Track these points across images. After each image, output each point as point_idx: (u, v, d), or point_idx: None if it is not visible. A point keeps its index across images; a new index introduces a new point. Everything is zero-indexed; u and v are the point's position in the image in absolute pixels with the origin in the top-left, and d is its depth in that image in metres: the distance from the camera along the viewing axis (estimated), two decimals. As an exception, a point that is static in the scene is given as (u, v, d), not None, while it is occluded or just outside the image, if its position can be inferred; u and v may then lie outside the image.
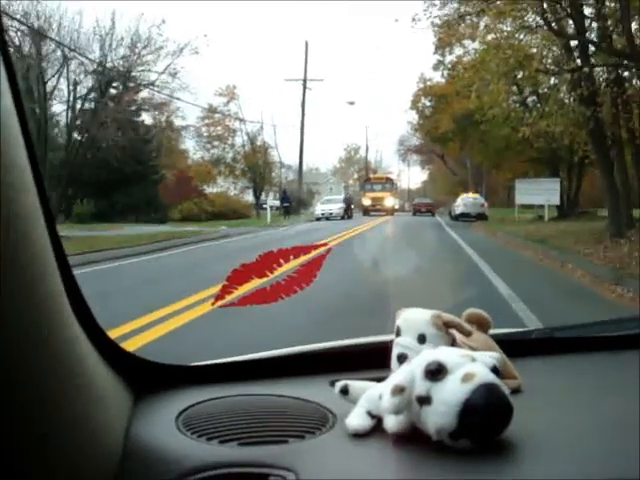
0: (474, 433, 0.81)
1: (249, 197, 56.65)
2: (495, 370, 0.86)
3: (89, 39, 30.79)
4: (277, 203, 38.39)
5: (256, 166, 55.42)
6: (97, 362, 0.91)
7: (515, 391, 1.03)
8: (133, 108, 47.12)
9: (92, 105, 46.27)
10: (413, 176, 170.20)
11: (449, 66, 35.79)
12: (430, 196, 66.47)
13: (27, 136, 0.70)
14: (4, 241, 0.61)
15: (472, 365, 0.84)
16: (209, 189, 59.87)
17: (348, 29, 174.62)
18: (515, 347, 1.27)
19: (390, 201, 48.25)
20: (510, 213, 42.82)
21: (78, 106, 36.12)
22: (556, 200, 31.51)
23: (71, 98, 31.72)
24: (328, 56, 78.67)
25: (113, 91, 47.54)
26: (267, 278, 1.08)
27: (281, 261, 1.07)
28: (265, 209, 36.90)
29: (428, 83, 35.54)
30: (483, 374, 0.82)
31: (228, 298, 1.06)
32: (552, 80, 32.43)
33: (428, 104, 35.54)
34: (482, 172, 52.70)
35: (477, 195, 40.23)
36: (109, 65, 31.18)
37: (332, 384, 1.03)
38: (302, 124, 47.33)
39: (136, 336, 5.28)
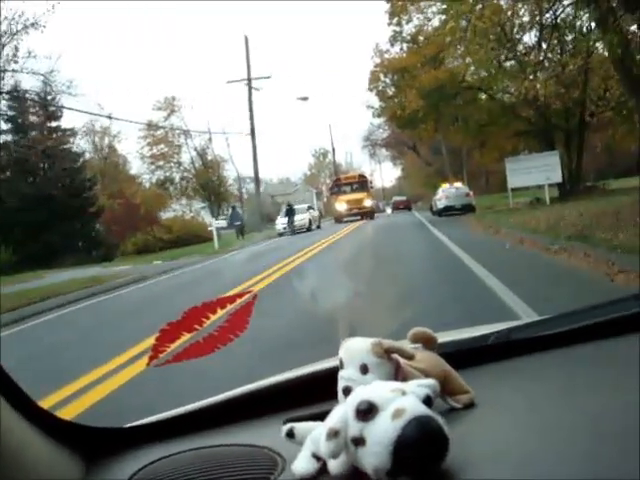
0: (411, 469, 0.78)
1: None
2: (428, 400, 0.83)
3: None
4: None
5: (210, 183, 49.90)
6: (33, 436, 0.89)
7: (468, 406, 1.02)
8: (57, 135, 41.35)
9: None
10: (386, 173, 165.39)
11: (408, 38, 30.45)
12: (406, 192, 76.72)
13: None
14: None
15: (402, 399, 0.81)
16: (166, 214, 54.88)
17: (291, 20, 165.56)
18: (471, 356, 1.23)
19: (368, 202, 42.38)
20: (498, 200, 37.68)
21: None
22: (558, 177, 26.20)
23: None
24: (276, 52, 72.23)
25: (34, 118, 42.37)
26: (197, 332, 1.04)
27: (208, 314, 1.04)
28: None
29: (386, 56, 30.04)
30: (413, 407, 0.80)
31: (162, 356, 1.01)
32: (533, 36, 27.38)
33: (389, 82, 30.02)
34: (461, 156, 47.49)
35: (460, 184, 34.83)
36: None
37: (285, 423, 0.97)
38: (252, 129, 41.71)
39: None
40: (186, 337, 1.02)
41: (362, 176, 47.30)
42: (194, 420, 1.16)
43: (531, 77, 23.79)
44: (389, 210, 65.40)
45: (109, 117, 44.65)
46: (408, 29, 29.98)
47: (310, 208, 40.59)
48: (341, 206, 42.07)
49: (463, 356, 1.18)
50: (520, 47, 27.84)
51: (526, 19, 27.46)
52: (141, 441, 1.10)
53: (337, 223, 40.61)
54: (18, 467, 0.78)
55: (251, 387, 1.23)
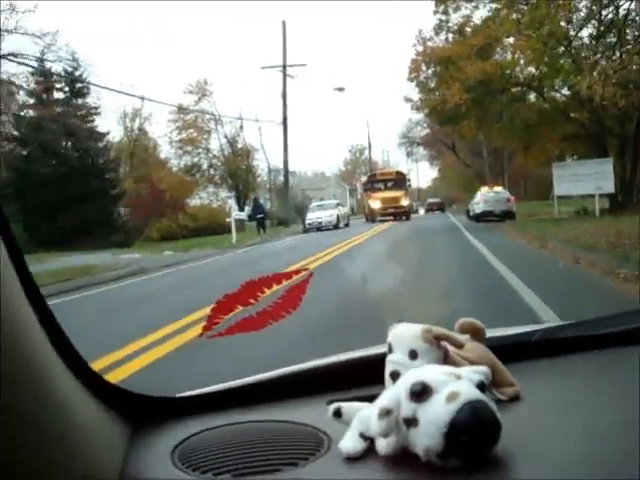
0: (462, 452, 0.79)
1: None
2: (481, 386, 0.84)
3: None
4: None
5: (238, 172, 48.20)
6: (85, 398, 0.90)
7: (514, 399, 1.03)
8: (82, 112, 39.91)
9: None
10: (422, 174, 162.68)
11: (454, 28, 28.29)
12: (442, 194, 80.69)
13: None
14: None
15: (457, 383, 0.83)
16: (193, 202, 53.49)
17: (330, 6, 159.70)
18: (515, 351, 1.23)
19: (405, 202, 39.86)
20: (539, 207, 35.44)
21: None
22: (610, 187, 23.91)
23: None
24: (313, 40, 69.31)
25: (59, 95, 41.02)
26: (252, 306, 1.06)
27: (264, 288, 1.06)
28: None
29: (429, 44, 27.85)
30: (468, 392, 0.81)
31: (215, 328, 1.04)
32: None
33: (430, 72, 27.86)
34: (502, 159, 45.08)
35: (500, 188, 32.57)
36: None
37: (329, 404, 0.98)
38: (284, 117, 39.91)
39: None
40: (238, 310, 1.03)
41: (400, 173, 44.87)
42: (240, 395, 1.14)
43: (587, 76, 21.61)
44: (422, 211, 67.82)
45: (142, 98, 43.30)
46: (455, 18, 27.85)
47: (339, 205, 38.51)
48: (375, 204, 39.64)
49: (507, 351, 1.16)
50: (576, 44, 25.62)
51: (583, 14, 25.24)
52: (189, 412, 1.09)
53: (368, 222, 38.52)
54: (67, 424, 0.78)
55: (297, 367, 1.22)
